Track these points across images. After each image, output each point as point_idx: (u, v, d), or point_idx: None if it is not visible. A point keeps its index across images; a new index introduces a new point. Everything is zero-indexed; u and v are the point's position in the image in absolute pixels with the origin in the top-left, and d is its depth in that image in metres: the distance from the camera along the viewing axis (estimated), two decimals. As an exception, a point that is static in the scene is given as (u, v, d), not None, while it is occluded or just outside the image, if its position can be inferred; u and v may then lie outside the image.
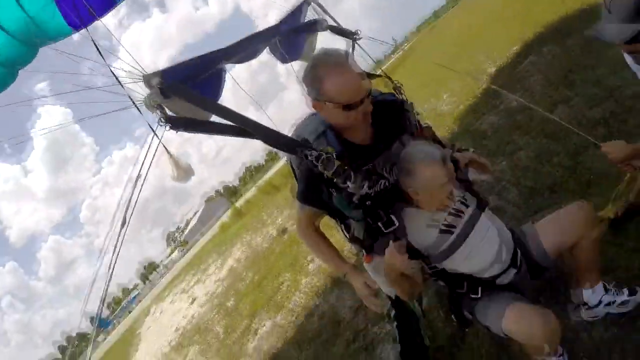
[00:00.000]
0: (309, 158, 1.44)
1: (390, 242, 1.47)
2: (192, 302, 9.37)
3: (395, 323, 2.17)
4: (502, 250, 1.62)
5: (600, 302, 1.70)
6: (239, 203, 23.57)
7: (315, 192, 1.57)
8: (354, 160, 1.48)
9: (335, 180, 1.45)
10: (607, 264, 1.87)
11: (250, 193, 23.91)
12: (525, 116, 3.88)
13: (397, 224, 1.56)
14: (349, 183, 1.45)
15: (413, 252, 1.54)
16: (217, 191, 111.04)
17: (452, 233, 1.57)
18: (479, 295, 1.62)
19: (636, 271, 1.82)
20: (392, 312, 2.15)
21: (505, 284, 1.63)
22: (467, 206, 1.62)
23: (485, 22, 12.41)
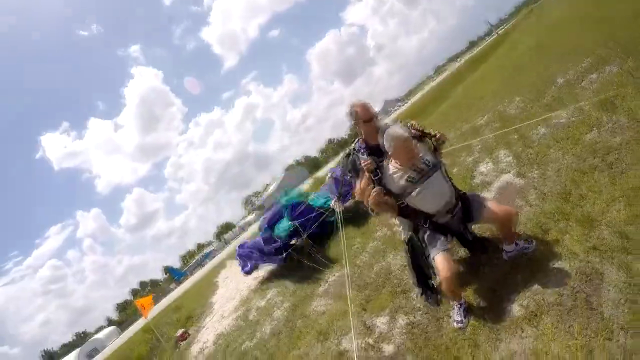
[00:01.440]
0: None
1: (376, 187, 3.04)
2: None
3: (409, 255, 3.48)
4: (444, 199, 3.08)
5: (512, 250, 3.31)
6: (321, 173, 24.17)
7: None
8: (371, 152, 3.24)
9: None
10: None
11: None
12: (568, 133, 4.64)
13: (379, 175, 3.09)
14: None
15: (389, 192, 3.06)
16: (297, 161, 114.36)
17: (414, 182, 3.02)
18: (427, 226, 3.12)
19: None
20: (408, 247, 3.46)
21: (441, 222, 3.12)
22: (428, 166, 3.04)
23: (577, 18, 12.31)
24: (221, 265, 17.53)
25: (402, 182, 3.04)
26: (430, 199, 3.06)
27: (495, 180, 4.89)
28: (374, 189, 3.01)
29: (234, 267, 14.28)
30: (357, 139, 3.40)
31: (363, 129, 3.32)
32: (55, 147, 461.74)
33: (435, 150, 3.16)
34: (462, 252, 3.83)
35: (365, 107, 3.29)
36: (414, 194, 3.04)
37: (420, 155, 3.08)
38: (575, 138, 4.38)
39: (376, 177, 3.08)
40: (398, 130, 3.02)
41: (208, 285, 16.64)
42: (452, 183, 3.21)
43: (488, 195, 4.58)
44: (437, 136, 3.13)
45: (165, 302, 30.10)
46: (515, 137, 5.67)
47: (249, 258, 9.29)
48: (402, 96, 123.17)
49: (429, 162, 3.05)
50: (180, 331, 10.60)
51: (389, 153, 3.07)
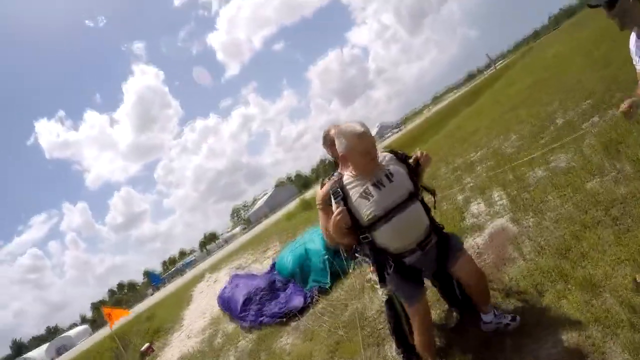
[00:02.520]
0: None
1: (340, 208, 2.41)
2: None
3: (389, 319, 3.12)
4: (416, 233, 2.46)
5: (491, 321, 2.77)
6: (308, 194, 24.06)
7: None
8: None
9: None
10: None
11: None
12: (567, 179, 4.31)
13: (341, 194, 2.47)
14: None
15: (353, 219, 2.44)
16: (288, 177, 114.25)
17: (369, 199, 2.39)
18: (392, 270, 2.47)
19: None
20: (386, 308, 3.10)
21: (411, 263, 2.49)
22: (390, 180, 2.43)
23: (577, 57, 12.25)
24: (200, 277, 17.11)
25: (357, 197, 2.42)
26: (398, 233, 2.42)
27: (488, 225, 4.48)
28: (338, 210, 2.40)
29: (212, 280, 13.96)
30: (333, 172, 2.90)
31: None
32: (49, 135, 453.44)
33: (415, 174, 2.57)
34: (442, 304, 3.43)
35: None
36: (380, 227, 2.40)
37: (384, 164, 2.53)
38: (576, 185, 4.05)
39: (337, 198, 2.47)
40: (353, 124, 2.43)
41: (183, 297, 16.00)
42: (430, 216, 2.59)
43: (479, 240, 4.20)
44: (418, 156, 2.56)
45: (140, 307, 29.61)
46: (511, 177, 5.34)
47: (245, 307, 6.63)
48: (398, 122, 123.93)
49: (390, 175, 2.44)
50: (146, 345, 10.38)
51: (342, 154, 2.48)
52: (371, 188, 2.41)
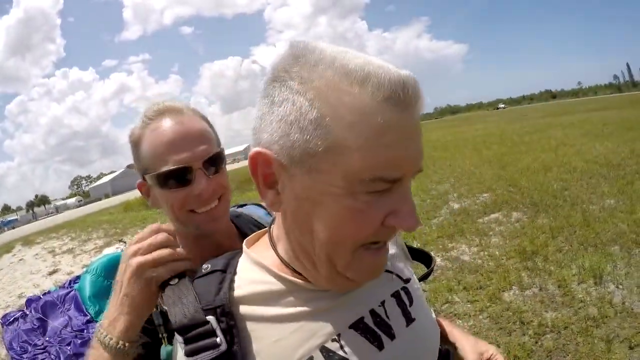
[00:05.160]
0: None
1: None
2: (51, 273, 8.02)
3: None
4: None
5: None
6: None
7: None
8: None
9: None
10: None
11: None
12: (478, 281, 3.53)
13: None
14: None
15: None
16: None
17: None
18: None
19: None
20: None
21: None
22: (410, 318, 0.82)
23: (462, 148, 12.84)
24: (8, 248, 13.59)
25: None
26: None
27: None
28: None
29: (19, 258, 11.20)
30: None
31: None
32: None
33: None
34: None
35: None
36: None
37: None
38: (489, 292, 3.23)
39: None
40: None
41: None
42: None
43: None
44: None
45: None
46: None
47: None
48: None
49: (410, 302, 0.65)
50: None
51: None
52: (349, 344, 0.55)
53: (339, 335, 0.54)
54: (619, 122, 14.01)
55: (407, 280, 0.66)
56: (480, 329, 2.79)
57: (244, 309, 0.54)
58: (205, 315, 0.52)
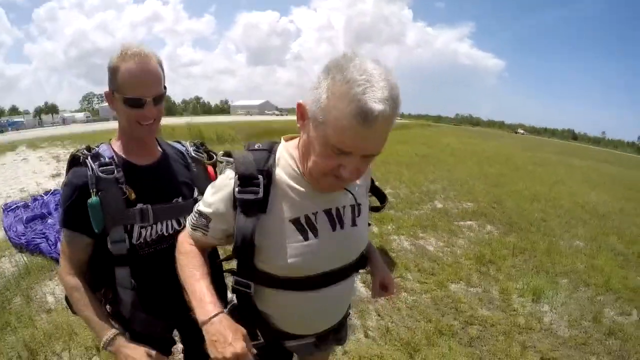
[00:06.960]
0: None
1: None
2: (54, 176, 8.02)
3: None
4: (328, 325, 1.17)
5: None
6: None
7: None
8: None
9: None
10: None
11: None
12: (432, 267, 3.84)
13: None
14: None
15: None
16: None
17: (307, 238, 1.08)
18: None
19: None
20: None
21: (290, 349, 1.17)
22: (354, 223, 1.08)
23: (467, 159, 13.01)
24: (13, 147, 13.36)
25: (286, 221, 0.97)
26: (308, 315, 1.09)
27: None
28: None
29: (22, 157, 11.11)
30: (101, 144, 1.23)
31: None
32: None
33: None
34: None
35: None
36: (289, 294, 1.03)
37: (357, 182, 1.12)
38: (439, 279, 3.55)
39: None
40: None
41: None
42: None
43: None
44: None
45: None
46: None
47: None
48: (282, 109, 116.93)
49: (358, 212, 1.08)
50: None
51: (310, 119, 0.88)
52: (319, 219, 1.00)
53: (316, 212, 0.97)
54: (623, 179, 14.22)
55: (359, 204, 1.07)
56: (420, 304, 3.11)
57: (278, 176, 0.95)
58: (258, 174, 0.93)
